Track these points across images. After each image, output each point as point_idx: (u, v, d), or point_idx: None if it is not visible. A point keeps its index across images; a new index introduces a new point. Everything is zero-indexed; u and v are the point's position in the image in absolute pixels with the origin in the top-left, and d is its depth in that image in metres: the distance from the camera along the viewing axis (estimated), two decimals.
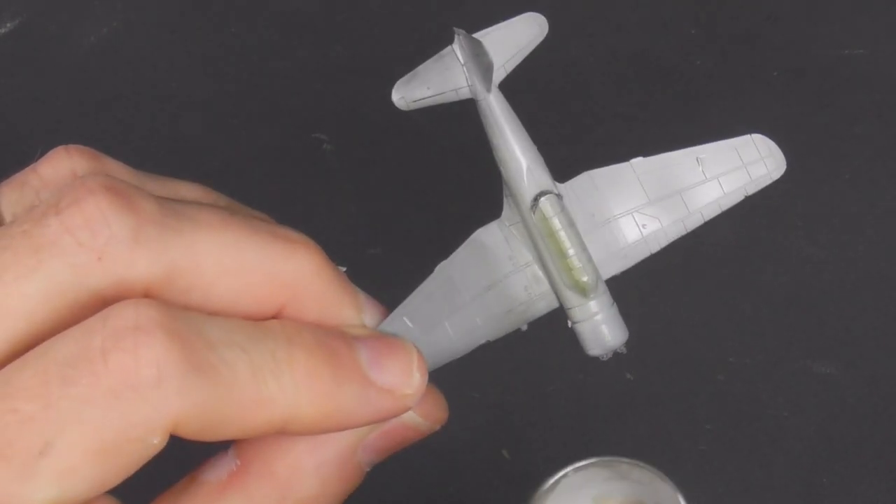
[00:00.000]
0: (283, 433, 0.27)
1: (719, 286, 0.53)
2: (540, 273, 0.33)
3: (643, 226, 0.33)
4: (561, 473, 0.28)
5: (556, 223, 0.31)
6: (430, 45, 0.60)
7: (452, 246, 0.31)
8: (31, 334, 0.26)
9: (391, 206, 0.57)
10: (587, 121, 0.59)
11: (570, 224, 0.32)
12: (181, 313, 0.26)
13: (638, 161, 0.34)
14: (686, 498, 0.28)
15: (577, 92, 0.60)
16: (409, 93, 0.32)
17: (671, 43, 0.62)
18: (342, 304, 0.29)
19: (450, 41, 0.33)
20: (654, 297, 0.53)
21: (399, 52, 0.61)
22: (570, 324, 0.32)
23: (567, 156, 0.58)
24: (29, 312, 0.25)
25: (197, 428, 0.25)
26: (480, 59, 0.32)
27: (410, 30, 0.63)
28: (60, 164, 0.29)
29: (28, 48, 0.63)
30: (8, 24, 0.64)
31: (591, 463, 0.28)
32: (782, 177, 0.34)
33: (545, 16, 0.35)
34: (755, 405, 0.50)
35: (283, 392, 0.26)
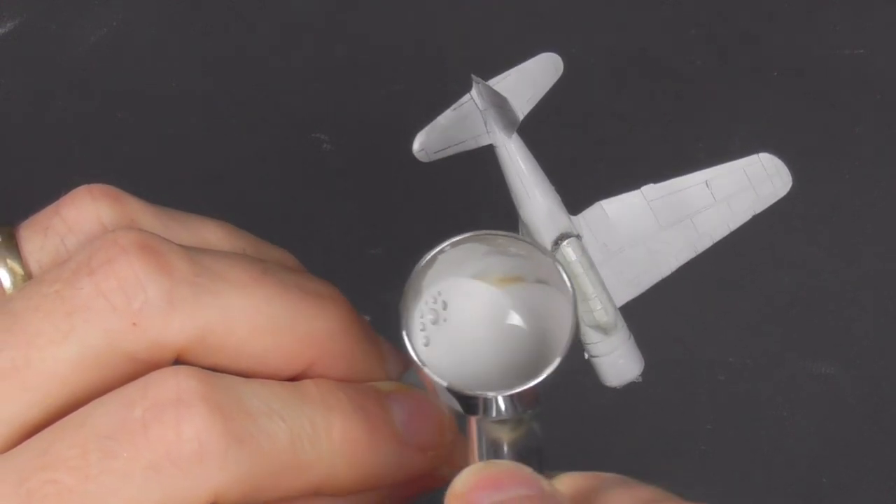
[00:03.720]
0: (317, 494, 0.27)
1: (719, 286, 0.53)
2: None
3: (654, 252, 0.34)
4: (437, 249, 0.27)
5: (578, 267, 0.32)
6: (430, 45, 0.60)
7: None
8: (64, 398, 0.25)
9: (391, 206, 0.56)
10: (587, 121, 0.59)
11: (591, 265, 0.32)
12: (220, 382, 0.25)
13: (648, 188, 0.34)
14: (566, 269, 0.27)
15: (576, 92, 0.60)
16: (430, 144, 0.32)
17: (671, 43, 0.62)
18: (370, 358, 0.29)
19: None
20: (654, 296, 0.53)
21: (399, 51, 0.61)
22: (586, 356, 0.33)
23: (567, 156, 0.58)
24: (62, 377, 0.25)
25: (235, 498, 0.25)
26: (502, 111, 0.32)
27: (410, 30, 0.63)
28: (85, 208, 0.28)
29: (28, 48, 0.63)
30: (8, 24, 0.64)
31: (468, 237, 0.27)
32: None
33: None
34: (755, 405, 0.50)
35: (320, 458, 0.26)
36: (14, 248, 0.27)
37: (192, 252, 0.27)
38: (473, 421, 0.27)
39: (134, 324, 0.25)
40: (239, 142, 0.59)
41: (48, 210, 0.28)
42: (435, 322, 0.28)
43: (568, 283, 0.27)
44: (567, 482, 0.25)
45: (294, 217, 0.57)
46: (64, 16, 0.64)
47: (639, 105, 0.60)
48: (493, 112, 0.31)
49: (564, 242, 0.31)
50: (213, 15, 0.65)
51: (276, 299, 0.27)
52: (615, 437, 0.49)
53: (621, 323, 0.32)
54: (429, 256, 0.27)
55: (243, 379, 0.26)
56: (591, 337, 0.32)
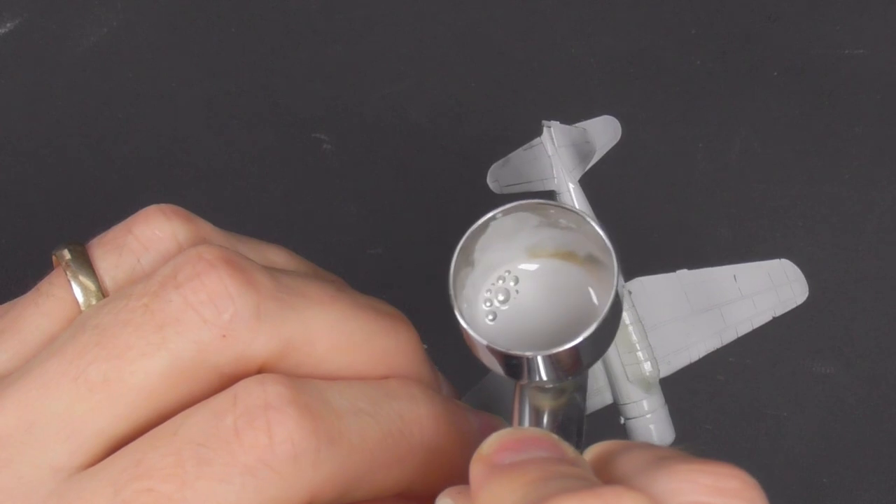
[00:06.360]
0: (408, 491, 0.27)
1: None
2: (595, 368, 0.33)
3: (686, 334, 0.35)
4: (489, 215, 0.27)
5: (628, 317, 0.33)
6: (430, 45, 0.60)
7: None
8: (151, 411, 0.25)
9: (391, 206, 0.57)
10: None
11: (638, 320, 0.33)
12: (307, 385, 0.26)
13: (683, 272, 0.36)
14: (610, 237, 0.27)
15: (577, 92, 0.60)
16: (502, 178, 0.34)
17: (671, 43, 0.62)
18: (432, 381, 0.30)
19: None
20: None
21: (399, 51, 0.61)
22: (622, 420, 0.33)
23: None
24: (151, 390, 0.25)
25: (332, 496, 0.25)
26: (579, 148, 0.32)
27: (410, 30, 0.63)
28: (160, 227, 0.28)
29: (28, 48, 0.63)
30: (8, 24, 0.64)
31: (520, 205, 0.27)
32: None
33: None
34: (755, 405, 0.50)
35: (411, 451, 0.27)
36: (87, 265, 0.27)
37: (272, 270, 0.27)
38: (518, 387, 0.27)
39: (223, 336, 0.25)
40: (239, 142, 0.60)
41: (119, 228, 0.28)
42: (506, 301, 0.28)
43: (609, 246, 0.27)
44: (592, 449, 0.25)
45: (294, 217, 0.57)
46: (64, 16, 0.64)
47: (639, 105, 0.60)
48: (565, 152, 0.32)
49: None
50: (213, 15, 0.65)
51: (353, 317, 0.27)
52: (616, 437, 0.49)
53: (658, 389, 0.33)
54: (480, 222, 0.27)
55: (328, 381, 0.26)
56: (630, 395, 0.33)
